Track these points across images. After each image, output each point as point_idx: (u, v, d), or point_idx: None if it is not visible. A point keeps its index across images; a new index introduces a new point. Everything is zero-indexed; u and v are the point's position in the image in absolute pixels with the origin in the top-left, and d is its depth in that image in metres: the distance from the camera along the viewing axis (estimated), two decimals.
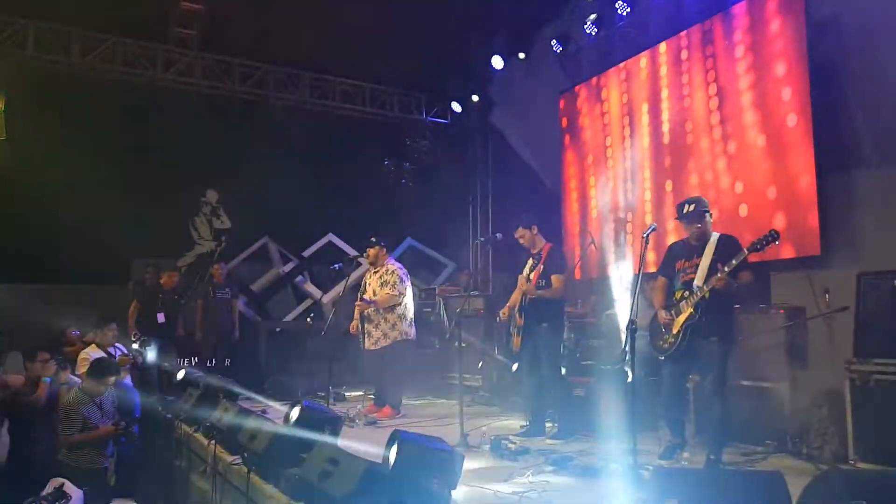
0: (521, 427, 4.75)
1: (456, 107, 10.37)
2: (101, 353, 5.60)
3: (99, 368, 4.89)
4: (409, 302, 5.68)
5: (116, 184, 7.63)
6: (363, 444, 3.69)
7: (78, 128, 7.59)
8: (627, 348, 3.35)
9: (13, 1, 7.70)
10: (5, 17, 7.70)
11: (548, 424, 4.69)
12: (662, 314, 3.97)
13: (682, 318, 3.82)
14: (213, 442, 4.35)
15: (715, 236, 3.91)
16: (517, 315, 4.68)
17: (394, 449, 2.77)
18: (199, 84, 8.85)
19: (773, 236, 3.54)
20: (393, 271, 5.62)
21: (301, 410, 3.59)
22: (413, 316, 5.73)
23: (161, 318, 7.21)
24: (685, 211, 3.92)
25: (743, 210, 6.09)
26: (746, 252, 3.60)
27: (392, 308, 5.52)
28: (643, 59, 7.43)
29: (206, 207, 9.29)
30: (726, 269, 3.60)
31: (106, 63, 8.27)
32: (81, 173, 7.46)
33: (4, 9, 7.69)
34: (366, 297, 5.64)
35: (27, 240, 7.55)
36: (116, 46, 8.31)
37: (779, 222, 5.76)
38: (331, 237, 9.96)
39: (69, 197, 7.48)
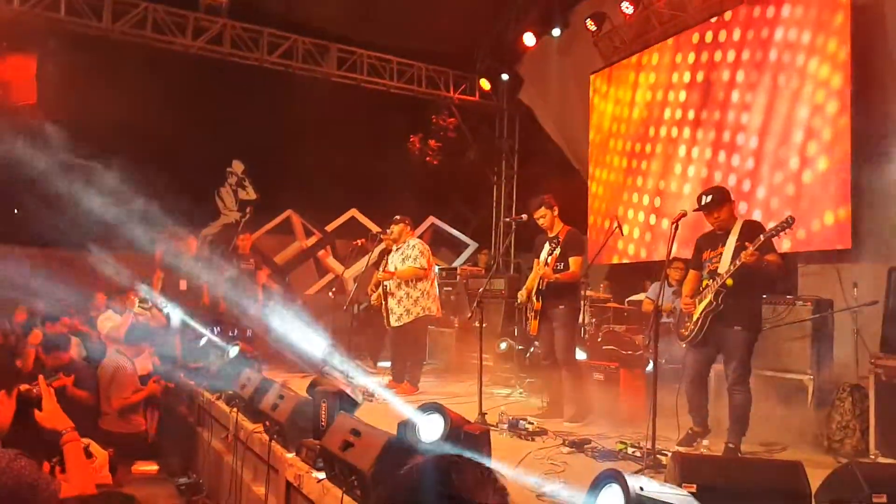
0: (540, 408, 4.78)
1: (485, 84, 10.22)
2: (119, 317, 5.71)
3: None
4: (433, 278, 5.69)
5: (143, 151, 7.74)
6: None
7: (107, 94, 7.65)
8: (651, 334, 3.33)
9: None
10: None
11: (575, 409, 4.69)
12: (686, 300, 3.95)
13: (702, 305, 3.81)
14: (234, 410, 4.44)
15: (739, 223, 3.86)
16: (534, 299, 4.66)
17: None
18: (228, 53, 8.86)
19: (789, 222, 3.52)
20: (414, 245, 5.62)
21: None
22: (436, 292, 5.75)
23: (183, 285, 7.34)
24: (703, 202, 3.88)
25: (774, 202, 5.97)
26: (763, 237, 3.56)
27: (415, 284, 5.54)
28: (679, 41, 7.25)
29: (231, 178, 9.38)
30: (754, 246, 3.57)
31: (137, 29, 8.30)
32: (109, 140, 7.57)
33: None
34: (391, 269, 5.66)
35: (55, 206, 7.69)
36: (147, 13, 8.33)
37: (812, 214, 5.64)
38: (354, 212, 10.00)
39: (96, 164, 7.59)
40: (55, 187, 7.75)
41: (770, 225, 3.69)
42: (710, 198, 3.85)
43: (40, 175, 7.66)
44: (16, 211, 8.23)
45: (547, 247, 4.69)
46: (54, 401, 2.38)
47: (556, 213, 4.74)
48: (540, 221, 4.76)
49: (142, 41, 8.35)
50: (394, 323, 5.58)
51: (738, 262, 3.61)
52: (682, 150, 7.14)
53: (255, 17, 8.83)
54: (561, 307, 4.59)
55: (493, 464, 2.92)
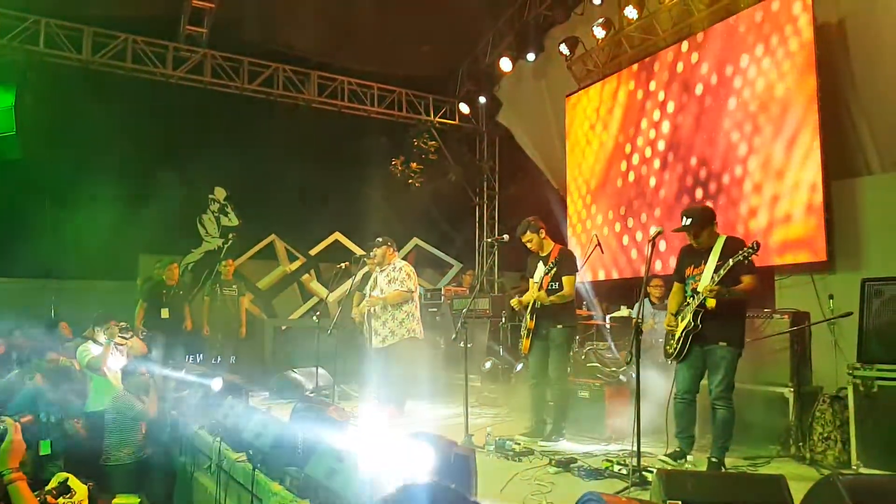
0: (526, 428, 4.77)
1: (463, 108, 10.41)
2: (99, 349, 5.63)
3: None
4: (416, 300, 5.70)
5: (126, 180, 7.71)
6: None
7: (88, 124, 7.64)
8: (633, 351, 3.37)
9: None
10: (18, 14, 7.75)
11: (551, 426, 4.70)
12: (669, 318, 4.00)
13: (682, 325, 3.85)
14: (218, 439, 4.38)
15: (721, 240, 3.87)
16: (528, 318, 4.68)
17: None
18: (209, 82, 8.91)
19: (754, 247, 3.55)
20: (401, 268, 5.64)
21: None
22: (420, 314, 5.75)
23: (165, 313, 7.26)
24: (683, 223, 3.89)
25: (750, 215, 6.10)
26: (731, 262, 3.59)
27: (400, 305, 5.54)
28: (651, 62, 7.44)
29: (214, 205, 9.35)
30: (715, 279, 3.62)
31: (117, 60, 8.32)
32: (90, 169, 7.53)
33: (16, 6, 7.74)
34: (376, 293, 5.65)
35: (35, 235, 7.61)
36: (127, 44, 8.36)
37: (787, 228, 5.77)
38: (337, 236, 10.01)
39: (78, 192, 7.55)
40: (34, 217, 7.71)
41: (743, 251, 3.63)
42: (689, 220, 3.86)
43: (18, 205, 7.60)
44: None
45: (540, 266, 4.69)
46: (14, 439, 2.34)
47: (543, 234, 4.75)
48: (528, 245, 4.77)
49: (122, 72, 8.36)
50: (378, 344, 5.57)
51: (702, 293, 3.65)
52: (655, 170, 7.28)
53: (235, 46, 8.92)
54: (559, 327, 4.60)
55: (480, 490, 2.92)
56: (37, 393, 4.67)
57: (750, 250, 3.55)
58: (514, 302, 4.86)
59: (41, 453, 4.18)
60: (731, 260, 3.60)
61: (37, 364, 5.26)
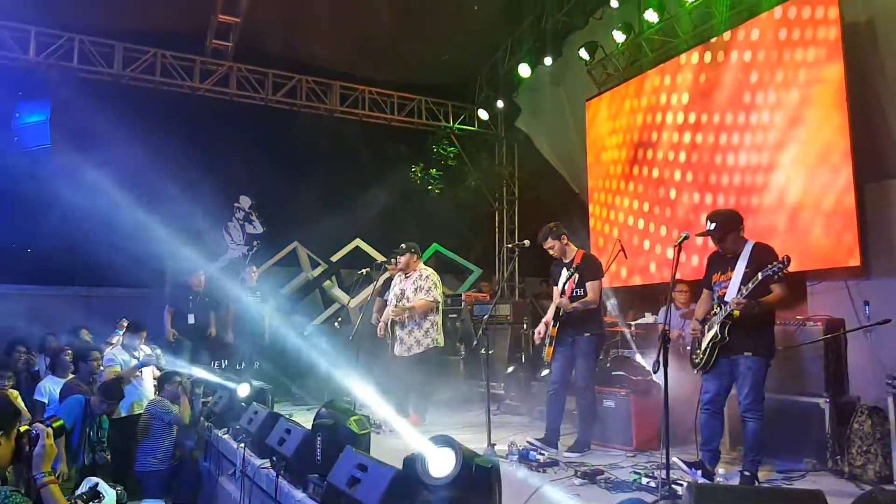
0: (539, 436, 4.63)
1: (482, 114, 10.40)
2: (124, 355, 5.75)
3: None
4: (440, 310, 5.66)
5: (154, 189, 7.85)
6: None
7: (118, 136, 7.82)
8: (660, 359, 3.29)
9: (61, 16, 8.01)
10: (54, 32, 8.02)
11: (576, 436, 4.59)
12: (695, 324, 3.90)
13: (709, 335, 3.74)
14: (242, 445, 4.40)
15: (748, 247, 3.76)
16: (552, 324, 4.59)
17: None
18: (234, 94, 9.06)
19: (784, 263, 3.43)
20: (427, 276, 5.58)
21: None
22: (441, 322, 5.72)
23: (191, 318, 7.36)
24: (707, 228, 3.77)
25: (781, 221, 5.95)
26: (760, 277, 3.48)
27: (426, 314, 5.49)
28: (671, 67, 7.34)
29: (239, 213, 9.49)
30: (743, 293, 3.53)
31: (146, 74, 8.56)
32: (120, 179, 7.69)
33: (52, 23, 8.00)
34: (403, 302, 5.59)
35: (67, 245, 7.80)
36: (156, 58, 8.59)
37: (818, 232, 5.62)
38: (358, 242, 10.05)
39: (109, 202, 7.70)
40: (65, 225, 7.89)
41: (769, 267, 3.49)
42: (713, 225, 3.73)
43: (50, 214, 7.79)
44: (28, 250, 8.37)
45: (564, 273, 4.59)
46: (47, 443, 2.40)
47: (565, 240, 4.64)
48: (550, 252, 4.67)
49: (151, 85, 8.57)
50: (402, 353, 5.53)
51: (730, 306, 3.56)
52: (677, 174, 7.16)
53: (259, 59, 9.10)
54: (586, 335, 4.48)
55: (503, 501, 2.86)
56: (83, 404, 4.76)
57: (780, 265, 3.43)
58: (537, 331, 4.69)
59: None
60: (759, 275, 3.49)
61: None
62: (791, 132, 5.89)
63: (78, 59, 8.16)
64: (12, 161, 7.52)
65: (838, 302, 5.25)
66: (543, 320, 4.68)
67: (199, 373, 6.03)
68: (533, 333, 4.88)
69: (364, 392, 5.07)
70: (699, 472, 3.67)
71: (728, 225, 3.75)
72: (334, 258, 9.92)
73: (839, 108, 5.46)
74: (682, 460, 3.73)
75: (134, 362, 5.72)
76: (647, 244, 7.54)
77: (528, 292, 9.43)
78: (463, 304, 8.29)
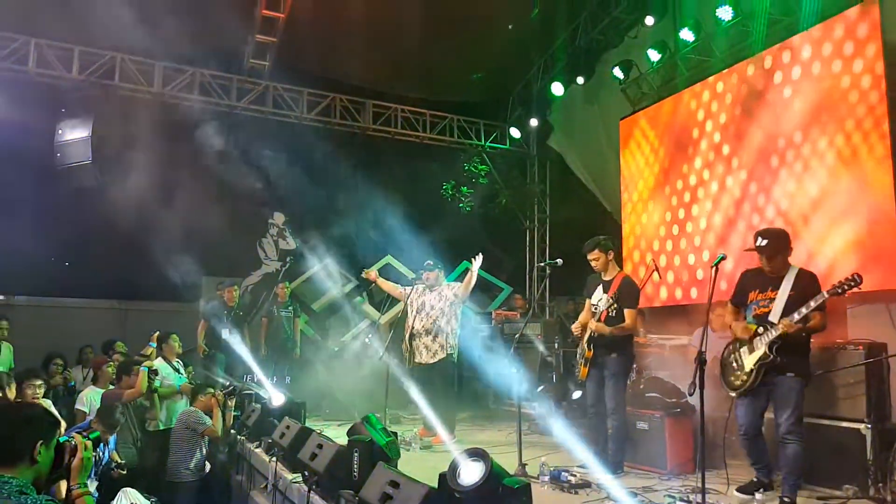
0: (582, 461, 4.61)
1: (514, 132, 10.45)
2: (165, 364, 5.90)
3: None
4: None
5: (191, 205, 8.09)
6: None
7: (156, 152, 8.10)
8: (696, 382, 3.24)
9: (104, 36, 8.37)
10: (96, 51, 8.38)
11: (610, 457, 4.53)
12: (738, 328, 3.82)
13: (755, 355, 3.68)
14: (273, 459, 4.46)
15: (794, 271, 3.72)
16: (585, 346, 4.58)
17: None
18: (270, 112, 9.31)
19: (856, 280, 3.37)
20: (452, 286, 5.83)
21: None
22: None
23: (226, 332, 7.52)
24: (759, 244, 3.73)
25: (818, 240, 5.82)
26: (826, 295, 3.42)
27: (448, 320, 5.64)
28: (707, 86, 7.29)
29: (273, 229, 9.70)
30: (799, 315, 3.48)
31: (185, 92, 8.84)
32: (158, 194, 7.95)
33: (95, 43, 8.37)
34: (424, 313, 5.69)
35: (106, 258, 8.08)
36: (195, 77, 8.88)
37: (857, 251, 5.48)
38: (389, 259, 10.14)
39: (146, 216, 7.97)
40: (105, 241, 8.19)
41: (830, 284, 3.49)
42: (765, 242, 3.70)
43: (91, 230, 8.10)
44: (66, 264, 8.68)
45: (600, 291, 4.58)
46: (83, 456, 2.41)
47: (611, 256, 4.62)
48: (592, 263, 4.65)
49: (189, 103, 8.87)
50: (428, 360, 5.57)
51: (780, 327, 3.54)
52: (714, 192, 7.07)
53: (295, 78, 9.32)
54: (614, 356, 4.47)
55: None
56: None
57: (851, 282, 3.38)
58: (575, 327, 4.76)
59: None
60: (826, 293, 3.44)
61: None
62: (827, 154, 5.78)
63: (119, 78, 8.48)
64: (54, 177, 7.83)
65: (879, 325, 5.09)
66: (580, 320, 4.69)
67: (236, 383, 6.15)
68: (562, 352, 4.87)
69: (395, 409, 5.09)
70: (761, 490, 3.69)
71: (779, 244, 3.73)
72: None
73: (877, 125, 5.35)
74: (739, 490, 3.73)
75: (173, 375, 5.87)
76: (677, 261, 7.43)
77: (557, 311, 9.37)
78: (493, 321, 8.29)
